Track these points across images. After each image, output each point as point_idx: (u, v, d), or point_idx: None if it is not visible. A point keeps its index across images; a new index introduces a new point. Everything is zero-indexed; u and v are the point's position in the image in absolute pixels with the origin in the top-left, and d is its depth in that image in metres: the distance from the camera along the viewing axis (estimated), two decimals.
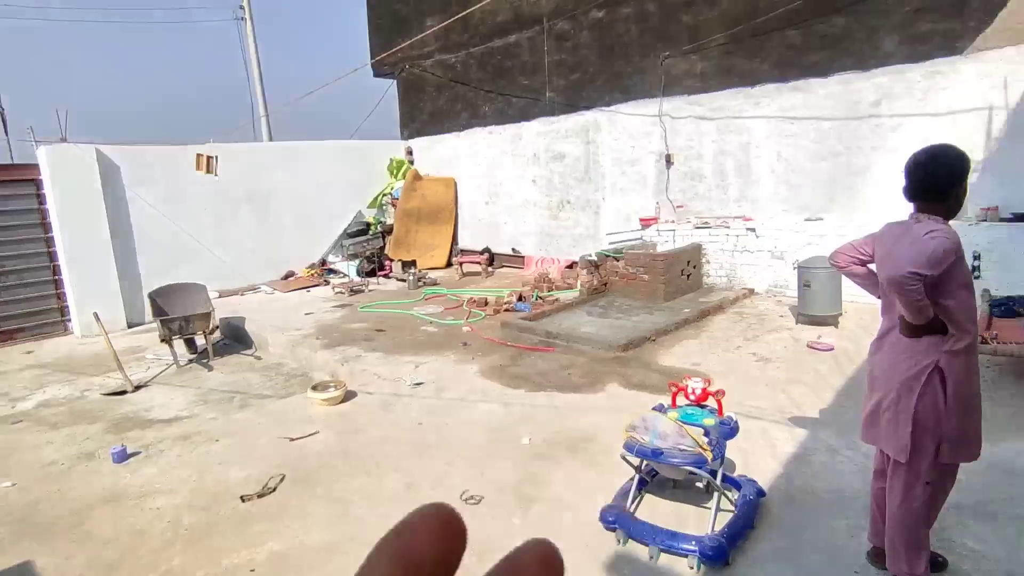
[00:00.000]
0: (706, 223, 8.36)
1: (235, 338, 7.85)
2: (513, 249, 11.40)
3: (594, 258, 7.84)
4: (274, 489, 3.49)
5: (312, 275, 11.25)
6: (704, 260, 8.33)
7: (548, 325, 6.81)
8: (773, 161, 7.74)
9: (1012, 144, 6.12)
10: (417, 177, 12.18)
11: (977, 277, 6.26)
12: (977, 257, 6.20)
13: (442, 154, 12.54)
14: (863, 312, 6.50)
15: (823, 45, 7.11)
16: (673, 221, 8.73)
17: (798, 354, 5.40)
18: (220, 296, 9.74)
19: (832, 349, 5.42)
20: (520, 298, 8.05)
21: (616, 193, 9.55)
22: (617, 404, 4.51)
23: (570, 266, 9.96)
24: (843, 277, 6.55)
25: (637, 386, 4.86)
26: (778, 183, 7.73)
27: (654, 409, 3.02)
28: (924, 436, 2.09)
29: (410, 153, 13.24)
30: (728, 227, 8.01)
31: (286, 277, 11.19)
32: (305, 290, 10.22)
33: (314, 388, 4.82)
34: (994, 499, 2.98)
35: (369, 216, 12.67)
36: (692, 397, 2.98)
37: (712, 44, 8.01)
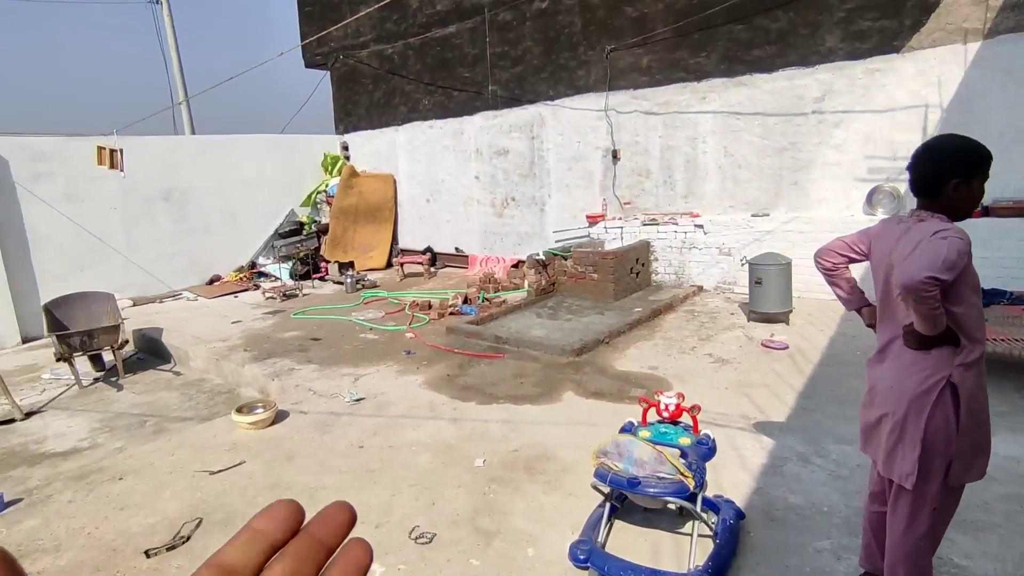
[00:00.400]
0: (654, 220, 8.24)
1: (151, 352, 7.08)
2: (456, 248, 10.99)
3: (541, 257, 7.56)
4: (187, 538, 2.98)
5: (241, 279, 10.45)
6: (652, 257, 8.21)
7: (496, 329, 6.47)
8: (720, 157, 7.68)
9: None
10: (353, 174, 11.55)
11: None
12: None
13: (380, 149, 11.95)
14: (812, 307, 6.51)
15: (768, 40, 7.08)
16: (620, 218, 8.57)
17: (754, 354, 5.29)
18: (135, 305, 8.86)
19: (787, 348, 5.34)
20: (465, 300, 7.67)
21: (562, 190, 9.31)
22: (575, 415, 4.22)
23: (516, 265, 9.65)
24: (792, 273, 6.57)
25: (594, 394, 4.58)
26: (725, 179, 7.69)
27: (624, 429, 2.73)
28: (933, 459, 1.88)
29: (346, 148, 12.57)
30: (676, 224, 7.91)
31: (212, 282, 10.34)
32: (233, 295, 9.44)
33: (239, 410, 4.28)
34: (971, 505, 2.86)
35: (303, 215, 11.93)
36: (665, 414, 2.70)
37: (658, 37, 7.87)
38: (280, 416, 4.39)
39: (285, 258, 10.88)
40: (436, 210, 11.24)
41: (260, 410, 4.30)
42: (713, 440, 2.64)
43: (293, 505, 0.36)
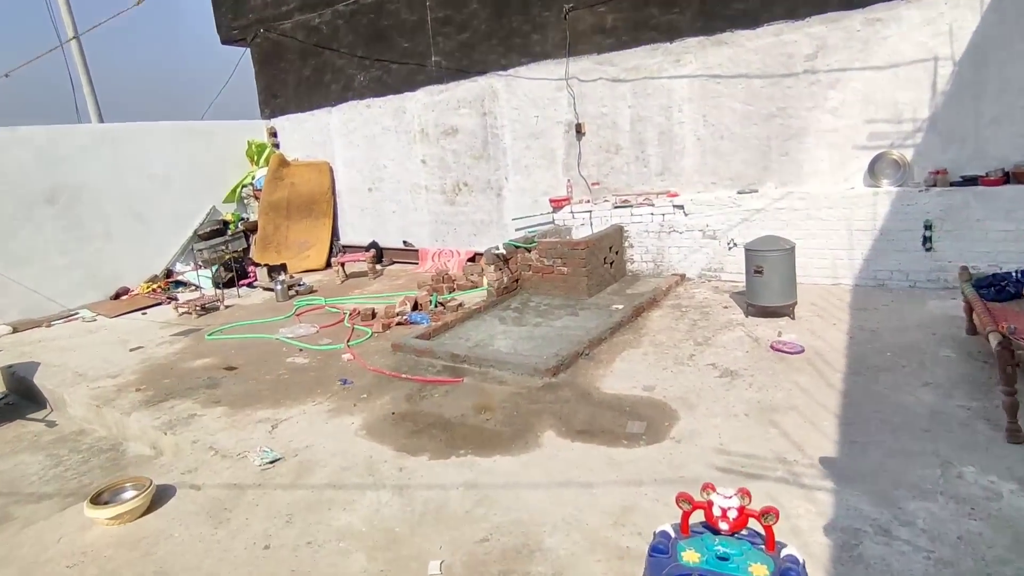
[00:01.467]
0: (626, 201, 7.27)
1: (23, 394, 5.71)
2: (405, 242, 9.80)
3: (501, 251, 6.49)
4: None
5: (154, 291, 9.01)
6: (627, 244, 7.26)
7: (453, 343, 5.39)
8: (699, 127, 6.74)
9: (958, 100, 5.46)
10: (283, 163, 10.16)
11: (929, 249, 5.62)
12: (928, 227, 5.54)
13: (312, 134, 10.57)
14: (814, 296, 5.68)
15: None
16: (588, 201, 7.57)
17: (765, 361, 4.39)
18: (15, 331, 7.36)
19: (803, 351, 4.46)
20: (416, 306, 6.54)
21: (520, 171, 8.23)
22: (560, 469, 3.21)
23: (472, 259, 8.56)
24: (796, 257, 5.73)
25: (582, 433, 3.58)
26: (705, 152, 6.76)
27: (655, 550, 1.71)
28: None
29: (274, 135, 11.12)
30: (652, 204, 6.96)
31: (118, 296, 8.86)
32: (140, 312, 8.03)
33: (96, 498, 3.07)
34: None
35: (227, 213, 10.47)
36: (723, 524, 1.70)
37: None
38: (160, 497, 3.22)
39: (208, 263, 9.47)
40: (380, 200, 10.00)
41: (130, 494, 3.11)
42: (802, 563, 1.65)
43: None
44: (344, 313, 6.81)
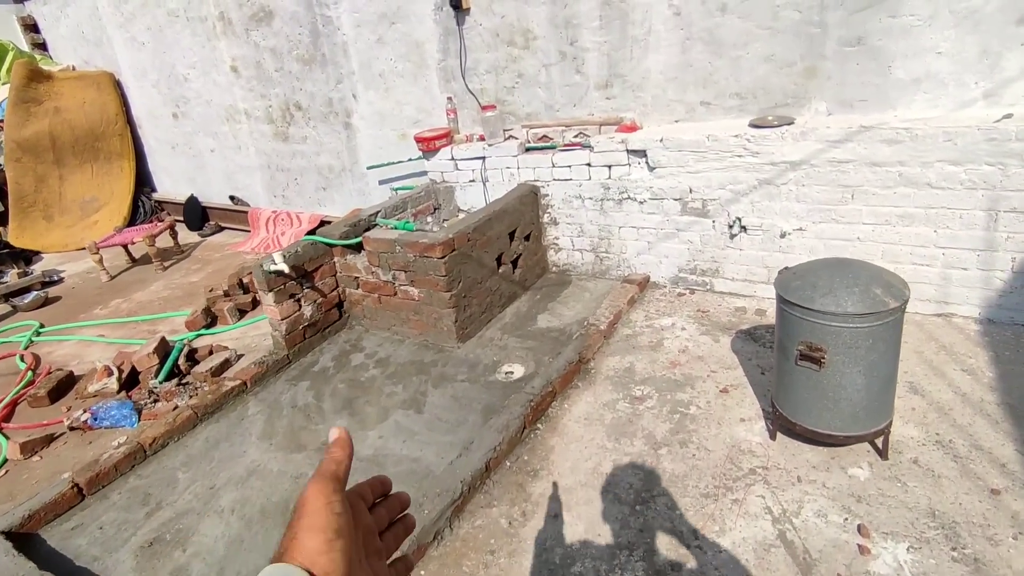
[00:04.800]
0: (544, 139, 3.99)
1: None
2: (232, 198, 6.45)
3: (279, 266, 3.23)
4: None
5: None
6: (546, 218, 4.06)
7: (136, 539, 2.37)
8: None
9: None
10: (36, 76, 6.50)
11: None
12: None
13: (82, 25, 6.80)
14: (908, 354, 2.65)
15: None
16: (480, 138, 4.25)
17: None
18: None
19: None
20: (126, 388, 3.41)
21: (375, 84, 4.78)
22: None
23: (319, 227, 5.31)
24: (873, 256, 2.52)
25: None
26: (690, 40, 3.39)
27: None
28: None
29: (34, 28, 7.29)
30: (589, 148, 3.70)
31: None
32: None
33: None
34: None
35: None
36: None
37: None
38: None
39: None
40: (191, 133, 6.49)
41: None
42: None
43: (388, 480, 0.56)
44: (33, 372, 3.68)
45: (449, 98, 4.37)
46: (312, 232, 4.23)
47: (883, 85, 2.97)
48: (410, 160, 4.67)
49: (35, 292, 5.10)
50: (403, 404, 2.99)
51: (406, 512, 0.58)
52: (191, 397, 3.24)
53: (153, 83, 6.46)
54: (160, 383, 3.33)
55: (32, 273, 5.46)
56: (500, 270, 3.68)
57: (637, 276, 3.80)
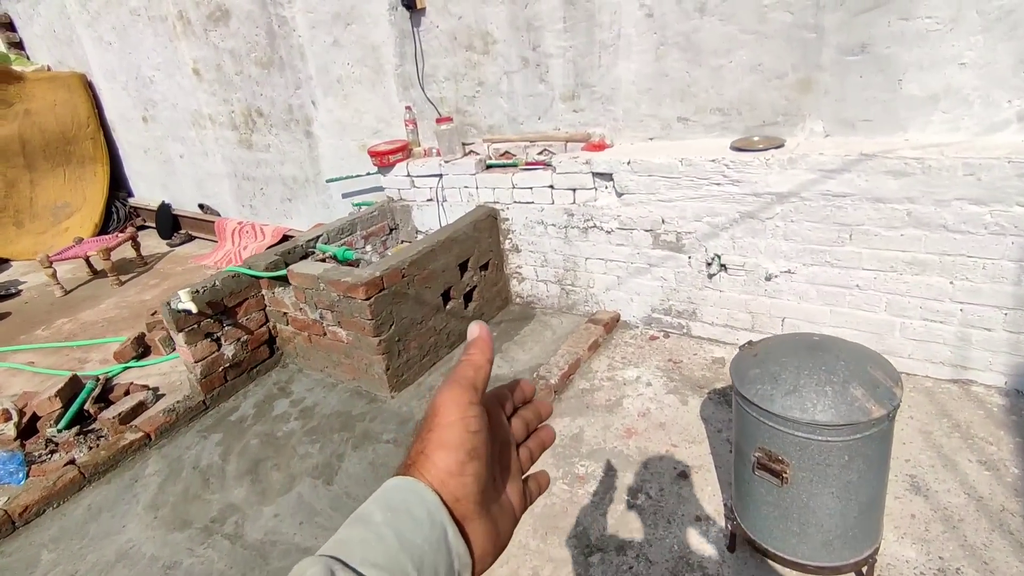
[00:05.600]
0: (508, 156, 3.54)
1: None
2: (201, 206, 6.12)
3: (186, 305, 2.84)
4: None
5: None
6: (507, 244, 3.61)
7: None
8: None
9: None
10: (6, 76, 6.25)
11: None
12: None
13: (54, 24, 6.53)
14: (913, 435, 2.13)
15: None
16: (436, 152, 3.81)
17: None
18: None
19: None
20: (23, 436, 3.06)
21: (333, 90, 4.37)
22: None
23: (282, 241, 4.94)
24: (874, 308, 2.01)
25: None
26: (665, 46, 2.89)
27: None
28: None
29: (10, 26, 7.05)
30: (550, 167, 3.23)
31: None
32: None
33: None
34: None
35: None
36: None
37: None
38: None
39: None
40: (161, 137, 6.18)
41: None
42: None
43: (531, 386, 0.51)
44: None
45: (408, 107, 3.94)
46: (274, 245, 3.86)
47: (891, 102, 2.45)
48: (368, 174, 4.25)
49: (16, 286, 4.83)
50: (314, 470, 2.59)
51: (545, 424, 0.52)
52: (91, 448, 2.89)
53: (123, 85, 6.16)
54: (59, 431, 2.98)
55: None
56: (448, 306, 3.24)
57: (605, 315, 3.33)
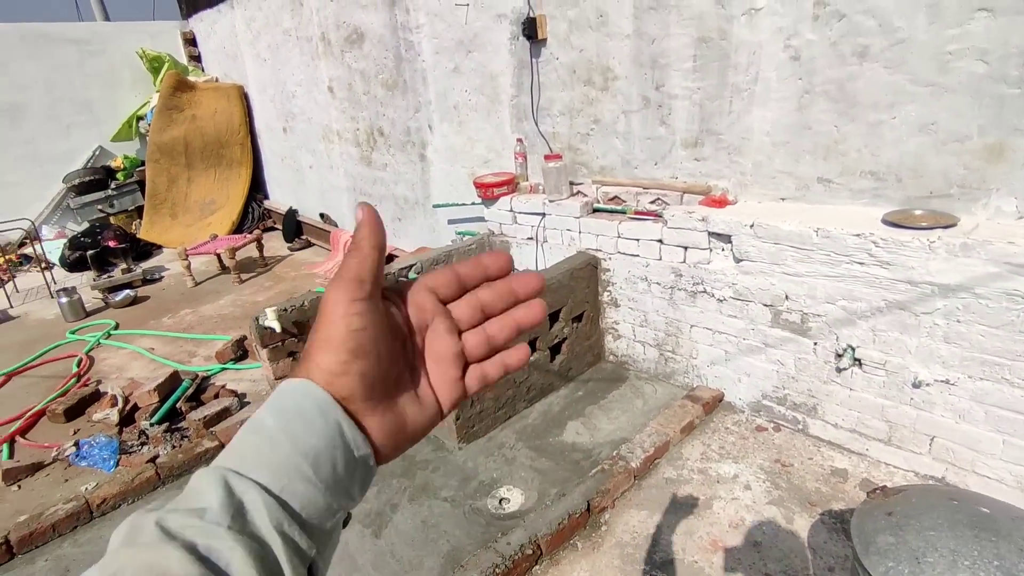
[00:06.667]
0: (617, 201, 3.27)
1: None
2: (323, 215, 6.42)
3: (272, 323, 2.86)
4: None
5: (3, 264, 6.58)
6: (606, 296, 3.31)
7: None
8: (799, 25, 2.44)
9: None
10: (181, 85, 7.02)
11: None
12: None
13: (224, 42, 7.24)
14: None
15: None
16: (542, 189, 3.61)
17: None
18: None
19: None
20: (124, 423, 3.25)
21: (449, 115, 4.35)
22: None
23: (389, 260, 5.02)
24: None
25: None
26: (810, 100, 2.47)
27: None
28: None
29: (193, 42, 7.94)
30: (664, 218, 2.90)
31: None
32: None
33: None
34: None
35: (119, 156, 7.66)
36: None
37: None
38: None
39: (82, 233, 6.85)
40: (295, 147, 6.60)
41: None
42: None
43: (509, 258, 0.44)
44: (84, 377, 3.73)
45: (519, 140, 3.79)
46: None
47: None
48: (473, 204, 4.16)
49: (126, 291, 5.37)
50: (364, 518, 2.46)
51: (528, 302, 0.44)
52: (173, 447, 3.00)
53: (271, 97, 6.66)
54: (152, 424, 3.13)
55: (135, 271, 5.79)
56: (532, 357, 3.01)
57: (707, 392, 2.92)
